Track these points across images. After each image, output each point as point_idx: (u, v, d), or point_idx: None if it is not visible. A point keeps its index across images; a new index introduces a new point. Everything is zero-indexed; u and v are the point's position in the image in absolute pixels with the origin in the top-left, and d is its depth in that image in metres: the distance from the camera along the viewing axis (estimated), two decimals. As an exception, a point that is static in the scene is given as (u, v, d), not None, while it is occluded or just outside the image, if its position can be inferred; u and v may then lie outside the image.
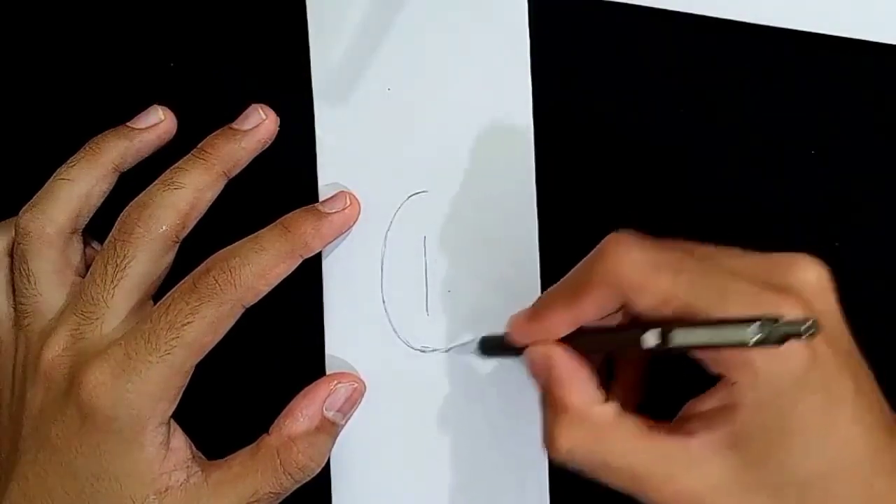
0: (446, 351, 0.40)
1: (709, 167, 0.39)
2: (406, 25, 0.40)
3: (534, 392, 0.39)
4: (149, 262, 0.37)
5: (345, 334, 0.40)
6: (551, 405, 0.33)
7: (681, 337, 0.30)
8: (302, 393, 0.38)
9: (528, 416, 0.39)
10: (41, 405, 0.36)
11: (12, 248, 0.39)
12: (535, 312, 0.34)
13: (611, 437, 0.32)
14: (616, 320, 0.34)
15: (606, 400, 0.33)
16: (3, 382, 0.38)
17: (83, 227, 0.39)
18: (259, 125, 0.39)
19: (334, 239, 0.39)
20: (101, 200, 0.39)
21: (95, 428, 0.35)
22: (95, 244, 0.40)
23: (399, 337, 0.40)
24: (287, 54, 0.41)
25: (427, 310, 0.40)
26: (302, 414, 0.38)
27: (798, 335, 0.27)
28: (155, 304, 0.37)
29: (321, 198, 0.40)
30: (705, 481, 0.31)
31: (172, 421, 0.37)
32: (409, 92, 0.40)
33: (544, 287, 0.39)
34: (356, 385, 0.39)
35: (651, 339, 0.30)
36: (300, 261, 0.38)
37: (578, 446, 0.32)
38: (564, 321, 0.33)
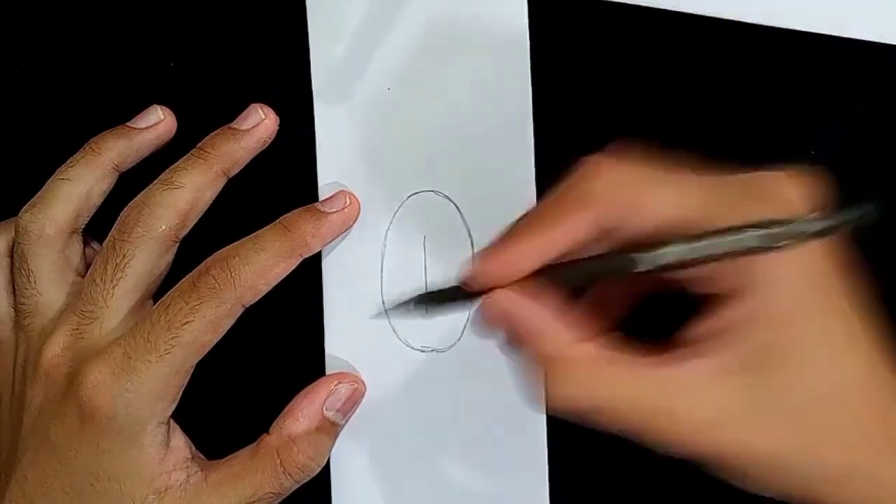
0: (386, 311, 0.39)
1: (709, 167, 0.39)
2: (406, 25, 0.40)
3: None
4: (148, 262, 0.37)
5: (345, 334, 0.40)
6: (528, 360, 0.30)
7: (680, 251, 0.27)
8: (302, 393, 0.38)
9: (529, 416, 0.39)
10: (41, 405, 0.36)
11: (12, 249, 0.39)
12: (499, 248, 0.30)
13: (604, 383, 0.29)
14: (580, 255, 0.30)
15: (588, 339, 0.30)
16: (3, 382, 0.38)
17: (83, 226, 0.39)
18: (259, 124, 0.39)
19: (334, 238, 0.39)
20: (101, 200, 0.39)
21: (95, 427, 0.35)
22: (95, 244, 0.40)
23: (399, 337, 0.40)
24: (287, 54, 0.41)
25: (427, 310, 0.40)
26: (302, 414, 0.38)
27: (804, 237, 0.25)
28: (155, 303, 0.37)
29: (321, 197, 0.40)
30: (710, 410, 0.28)
31: (172, 421, 0.37)
32: (409, 91, 0.40)
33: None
34: (356, 386, 0.39)
35: (646, 260, 0.28)
36: (300, 260, 0.37)
37: (571, 402, 0.29)
38: (532, 254, 0.30)
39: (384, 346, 0.40)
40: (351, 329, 0.40)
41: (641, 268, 0.28)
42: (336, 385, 0.39)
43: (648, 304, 0.33)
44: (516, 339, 0.31)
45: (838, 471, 0.29)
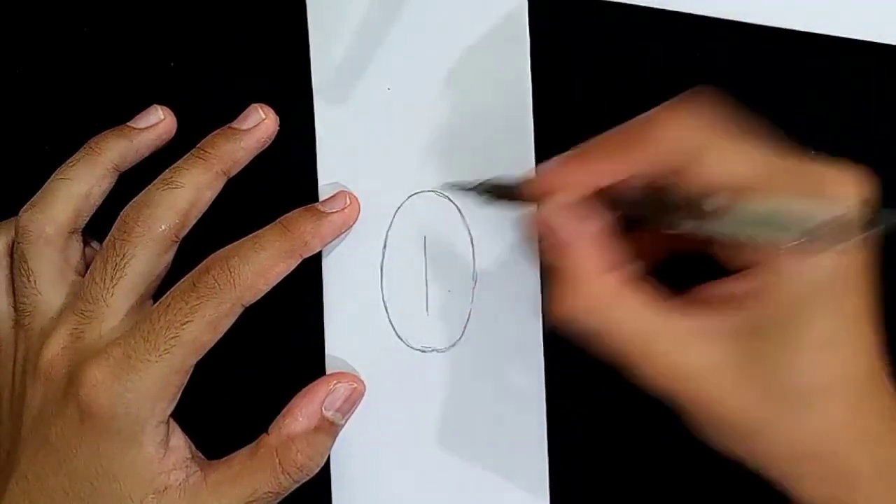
0: (440, 189, 0.39)
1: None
2: (406, 25, 0.40)
3: (534, 391, 0.39)
4: (148, 262, 0.37)
5: (345, 334, 0.40)
6: (557, 270, 0.32)
7: (718, 228, 0.29)
8: (301, 392, 0.38)
9: (529, 416, 0.39)
10: (40, 404, 0.36)
11: (12, 248, 0.39)
12: (565, 162, 0.32)
13: (613, 307, 0.31)
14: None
15: (615, 266, 0.32)
16: (3, 382, 0.38)
17: (83, 226, 0.39)
18: (259, 125, 0.39)
19: (334, 239, 0.39)
20: (101, 200, 0.39)
21: (94, 427, 0.35)
22: (95, 244, 0.40)
23: (399, 337, 0.40)
24: (287, 54, 0.41)
25: (427, 309, 0.40)
26: (301, 413, 0.38)
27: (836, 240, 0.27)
28: (155, 303, 0.37)
29: (321, 197, 0.40)
30: (701, 361, 0.30)
31: (171, 420, 0.37)
32: (410, 91, 0.40)
33: (543, 286, 0.39)
34: (355, 385, 0.39)
35: (686, 225, 0.29)
36: (300, 260, 0.38)
37: (578, 315, 0.32)
38: (593, 175, 0.32)
39: (384, 346, 0.40)
40: (351, 329, 0.40)
41: (680, 229, 0.30)
42: (335, 385, 0.39)
43: (681, 257, 0.34)
44: (552, 250, 0.32)
45: (802, 453, 0.31)
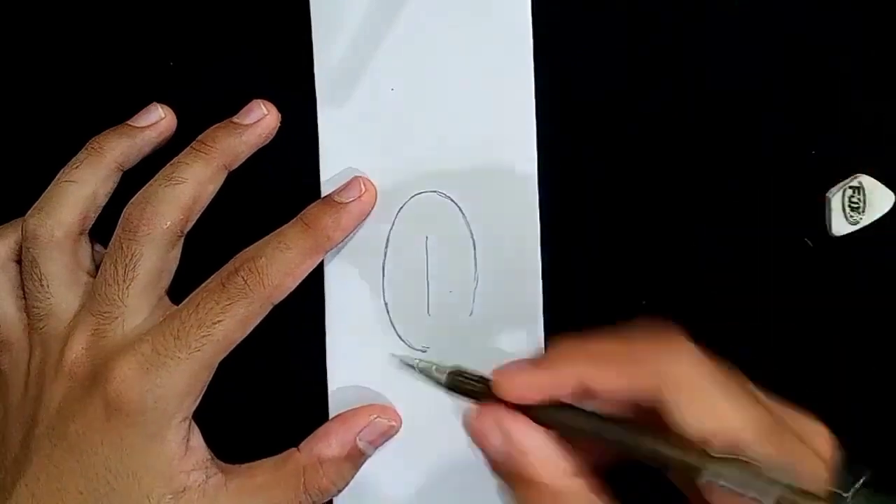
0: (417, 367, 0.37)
1: (710, 166, 0.40)
2: (409, 25, 0.40)
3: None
4: (157, 259, 0.37)
5: (346, 334, 0.40)
6: (517, 478, 0.30)
7: (738, 480, 0.27)
8: (339, 417, 0.39)
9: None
10: (60, 403, 0.36)
11: (14, 252, 0.39)
12: (541, 367, 0.31)
13: None
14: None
15: (578, 472, 0.30)
16: (13, 385, 0.38)
17: (90, 227, 0.39)
18: (261, 120, 0.39)
19: (356, 226, 0.39)
20: (107, 200, 0.39)
21: (120, 421, 0.35)
22: (98, 247, 0.40)
23: (400, 337, 0.40)
24: (290, 54, 0.41)
25: (428, 310, 0.40)
26: (335, 440, 0.38)
27: None
28: (168, 296, 0.37)
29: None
30: None
31: (191, 420, 0.37)
32: (412, 92, 0.40)
33: (545, 287, 0.40)
34: (393, 423, 0.39)
35: (709, 474, 0.28)
36: (325, 254, 0.38)
37: None
38: (572, 382, 0.30)
39: (385, 345, 0.40)
40: (352, 329, 0.40)
41: (704, 479, 0.28)
42: (374, 418, 0.39)
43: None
44: (507, 456, 0.30)
45: None
